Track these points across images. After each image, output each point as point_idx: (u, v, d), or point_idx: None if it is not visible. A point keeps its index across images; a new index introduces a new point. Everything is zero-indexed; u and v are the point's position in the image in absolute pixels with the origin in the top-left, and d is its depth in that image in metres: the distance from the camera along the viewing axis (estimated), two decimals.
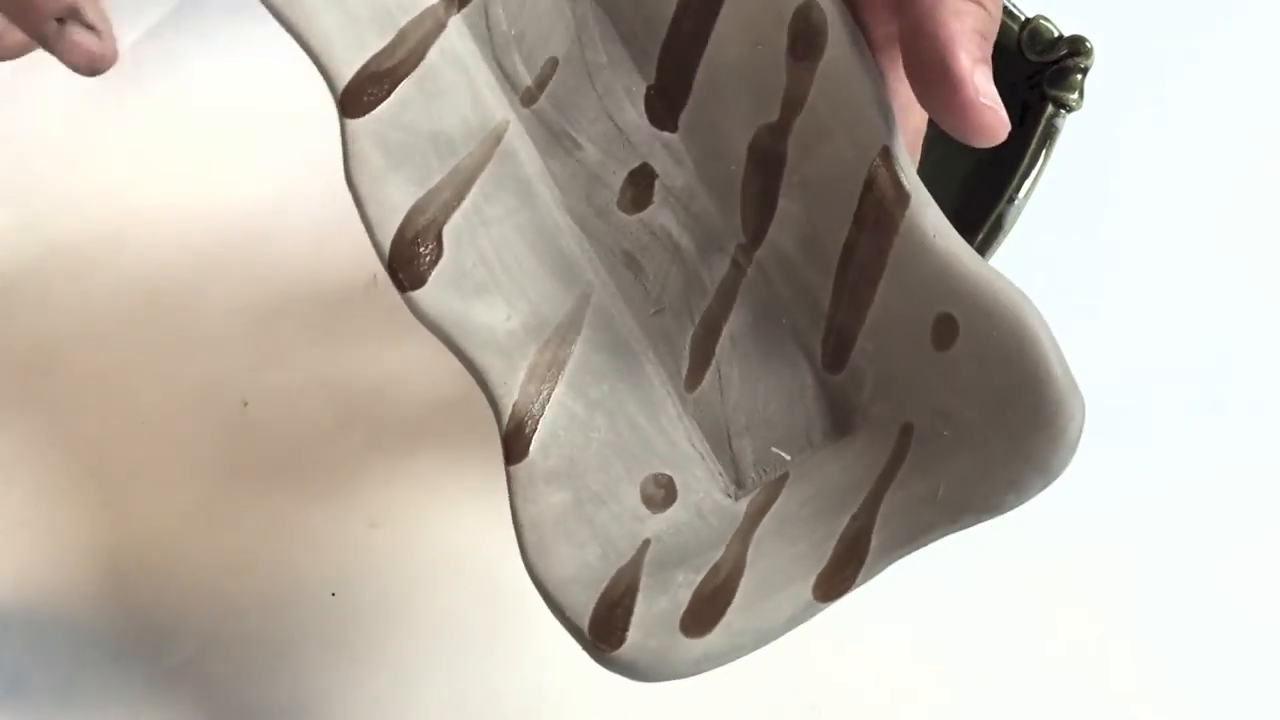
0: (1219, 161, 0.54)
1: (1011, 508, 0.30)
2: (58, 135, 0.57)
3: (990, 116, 0.30)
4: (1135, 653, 0.47)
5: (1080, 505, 0.49)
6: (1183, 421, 0.50)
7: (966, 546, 0.49)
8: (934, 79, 0.30)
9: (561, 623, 0.32)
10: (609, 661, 0.31)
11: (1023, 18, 0.45)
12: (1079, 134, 0.46)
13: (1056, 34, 0.45)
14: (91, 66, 0.34)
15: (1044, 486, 0.30)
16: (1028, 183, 0.44)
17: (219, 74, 0.57)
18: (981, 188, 0.44)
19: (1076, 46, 0.44)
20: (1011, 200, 0.44)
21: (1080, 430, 0.29)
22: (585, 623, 0.32)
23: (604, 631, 0.31)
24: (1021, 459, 0.29)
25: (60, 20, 0.33)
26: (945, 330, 0.30)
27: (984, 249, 0.44)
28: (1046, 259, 0.51)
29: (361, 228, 0.57)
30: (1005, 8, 0.45)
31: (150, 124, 0.56)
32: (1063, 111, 0.44)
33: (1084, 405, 0.29)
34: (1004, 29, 0.45)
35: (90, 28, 0.33)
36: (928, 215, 0.31)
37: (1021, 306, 0.30)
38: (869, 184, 0.31)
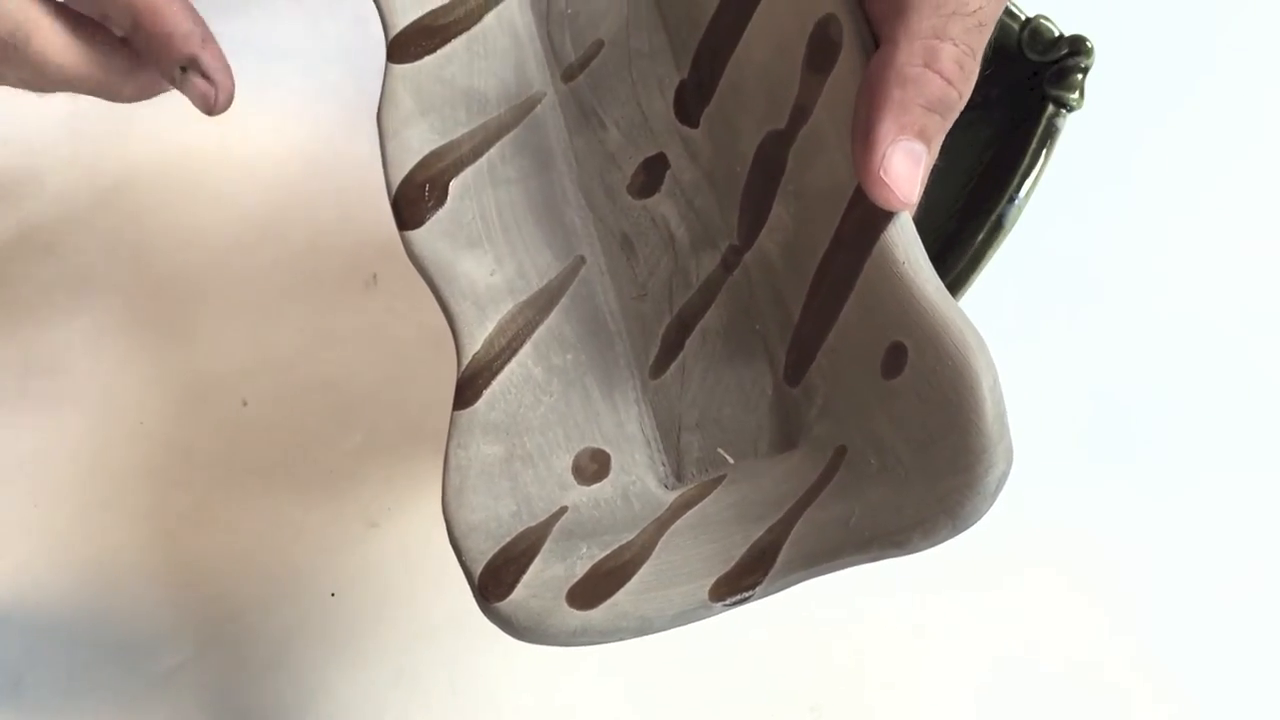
0: (1219, 160, 0.54)
1: (918, 548, 0.29)
2: (58, 135, 0.57)
3: (885, 193, 0.30)
4: (1141, 657, 0.47)
5: (1084, 503, 0.49)
6: (1182, 417, 0.50)
7: (970, 548, 0.49)
8: (855, 136, 0.31)
9: (460, 566, 0.33)
10: (490, 612, 0.32)
11: (1023, 17, 0.45)
12: (1079, 134, 0.46)
13: (1057, 34, 0.45)
14: (206, 108, 0.38)
15: (953, 533, 0.29)
16: (1028, 182, 0.44)
17: None
18: (982, 187, 0.44)
19: (1077, 46, 0.44)
20: (1012, 200, 0.44)
21: (999, 483, 0.28)
22: (478, 570, 0.32)
23: (492, 583, 0.32)
24: (934, 500, 0.29)
25: (183, 69, 0.38)
26: (896, 359, 0.30)
27: (985, 248, 0.44)
28: (1047, 258, 0.51)
29: (360, 227, 0.58)
30: (1006, 7, 0.45)
31: (150, 126, 0.56)
32: (1063, 111, 0.44)
33: (1010, 458, 0.28)
34: (1005, 29, 0.45)
35: (206, 77, 0.38)
36: (901, 243, 0.31)
37: (971, 349, 0.29)
38: (853, 202, 0.31)
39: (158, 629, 0.49)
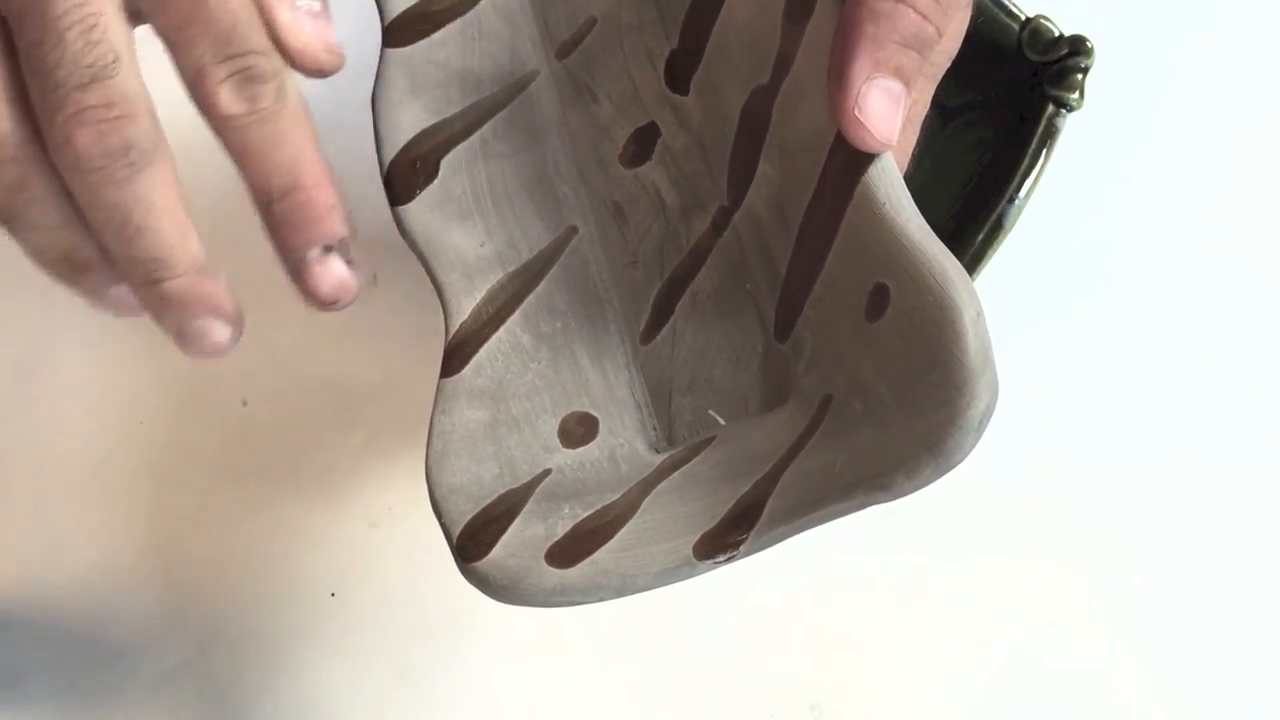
0: (1219, 160, 0.54)
1: (903, 491, 0.28)
2: None
3: (862, 133, 0.29)
4: (1147, 652, 0.47)
5: (1081, 501, 0.49)
6: (1181, 419, 0.50)
7: (973, 543, 0.49)
8: (830, 76, 0.30)
9: (440, 527, 0.33)
10: (468, 572, 0.32)
11: (1023, 17, 0.45)
12: (1079, 134, 0.46)
13: (1057, 34, 0.45)
14: (335, 298, 0.31)
15: (937, 472, 0.28)
16: (1028, 182, 0.44)
17: None
18: (982, 187, 0.44)
19: (1077, 46, 0.44)
20: (1012, 200, 0.44)
21: (983, 417, 0.27)
22: (457, 531, 0.32)
23: (471, 543, 0.32)
24: (917, 438, 0.28)
25: (328, 248, 0.31)
26: (878, 301, 0.29)
27: (984, 248, 0.44)
28: (1047, 258, 0.51)
29: (360, 226, 0.57)
30: (1006, 8, 0.45)
31: None
32: (1063, 111, 0.44)
33: (994, 393, 0.27)
34: (1004, 29, 0.45)
35: (350, 261, 0.31)
36: (883, 184, 0.30)
37: (953, 283, 0.28)
38: (834, 148, 0.31)
39: (158, 629, 0.49)
